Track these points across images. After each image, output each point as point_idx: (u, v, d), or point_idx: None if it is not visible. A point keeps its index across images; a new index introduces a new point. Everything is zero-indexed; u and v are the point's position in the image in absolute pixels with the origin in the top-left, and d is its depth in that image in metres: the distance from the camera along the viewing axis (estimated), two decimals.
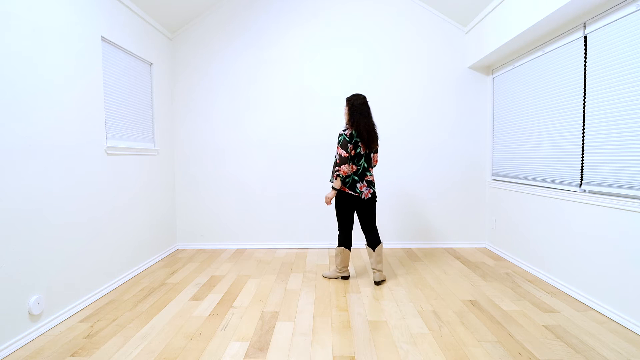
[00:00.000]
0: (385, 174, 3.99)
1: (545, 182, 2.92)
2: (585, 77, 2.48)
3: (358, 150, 2.74)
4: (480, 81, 3.91)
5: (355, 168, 2.76)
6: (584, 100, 2.48)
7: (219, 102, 3.98)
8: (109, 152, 2.79)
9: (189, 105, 3.99)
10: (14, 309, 1.96)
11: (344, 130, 2.74)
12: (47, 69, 2.20)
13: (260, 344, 1.98)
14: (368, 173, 2.80)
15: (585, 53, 2.47)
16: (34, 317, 2.08)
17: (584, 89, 2.48)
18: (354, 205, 2.83)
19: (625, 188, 2.16)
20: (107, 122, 2.81)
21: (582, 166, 2.53)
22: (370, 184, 2.81)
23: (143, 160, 3.34)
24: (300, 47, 3.93)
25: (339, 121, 3.96)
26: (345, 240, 2.89)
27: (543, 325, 2.14)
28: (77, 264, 2.45)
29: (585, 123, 2.48)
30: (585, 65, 2.48)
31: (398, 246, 4.01)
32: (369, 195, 2.80)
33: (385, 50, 3.92)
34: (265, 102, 3.97)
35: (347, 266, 2.96)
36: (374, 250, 2.83)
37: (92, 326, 2.20)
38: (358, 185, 2.77)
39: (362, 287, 2.81)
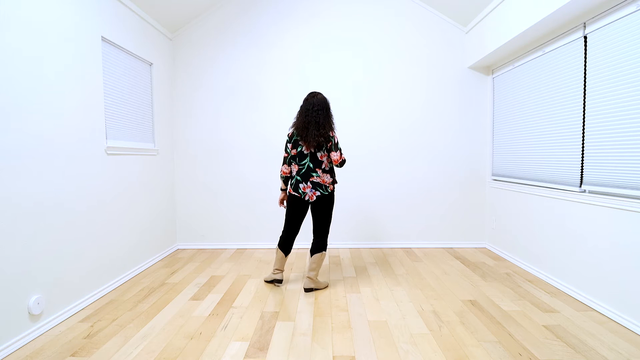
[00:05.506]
0: (385, 174, 3.99)
1: (545, 182, 2.92)
2: (585, 77, 2.48)
3: (300, 149, 2.65)
4: (480, 81, 3.91)
5: (297, 168, 2.67)
6: (584, 100, 2.48)
7: (219, 102, 3.98)
8: (109, 152, 2.79)
9: (189, 105, 3.99)
10: (14, 309, 1.96)
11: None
12: (47, 68, 2.20)
13: (260, 344, 1.98)
14: (314, 174, 2.64)
15: (585, 53, 2.47)
16: (34, 317, 2.08)
17: (584, 89, 2.48)
18: (299, 207, 2.71)
19: (625, 188, 2.16)
20: (107, 122, 2.81)
21: (582, 166, 2.53)
22: (317, 186, 2.64)
23: (143, 160, 3.34)
24: (300, 48, 3.93)
25: (339, 122, 3.96)
26: (282, 241, 2.77)
27: (543, 325, 2.14)
28: (77, 264, 2.45)
29: (585, 123, 2.48)
30: (585, 65, 2.48)
31: (398, 246, 4.01)
32: (314, 198, 2.64)
33: (386, 51, 3.92)
34: (265, 103, 3.97)
35: (281, 270, 2.79)
36: (311, 256, 2.69)
37: (92, 326, 2.20)
38: (301, 186, 2.65)
39: (362, 287, 2.81)
